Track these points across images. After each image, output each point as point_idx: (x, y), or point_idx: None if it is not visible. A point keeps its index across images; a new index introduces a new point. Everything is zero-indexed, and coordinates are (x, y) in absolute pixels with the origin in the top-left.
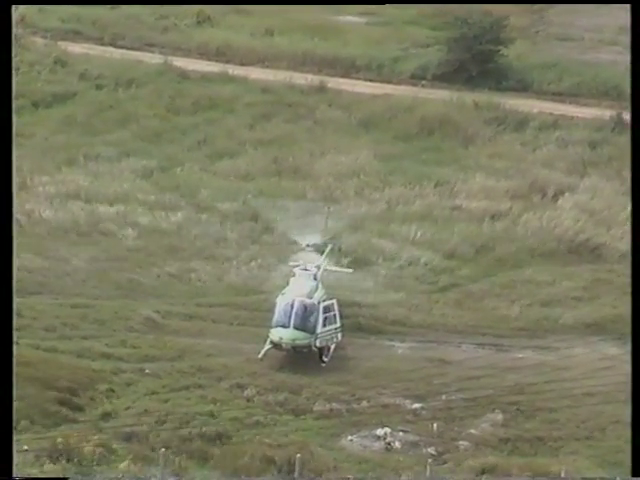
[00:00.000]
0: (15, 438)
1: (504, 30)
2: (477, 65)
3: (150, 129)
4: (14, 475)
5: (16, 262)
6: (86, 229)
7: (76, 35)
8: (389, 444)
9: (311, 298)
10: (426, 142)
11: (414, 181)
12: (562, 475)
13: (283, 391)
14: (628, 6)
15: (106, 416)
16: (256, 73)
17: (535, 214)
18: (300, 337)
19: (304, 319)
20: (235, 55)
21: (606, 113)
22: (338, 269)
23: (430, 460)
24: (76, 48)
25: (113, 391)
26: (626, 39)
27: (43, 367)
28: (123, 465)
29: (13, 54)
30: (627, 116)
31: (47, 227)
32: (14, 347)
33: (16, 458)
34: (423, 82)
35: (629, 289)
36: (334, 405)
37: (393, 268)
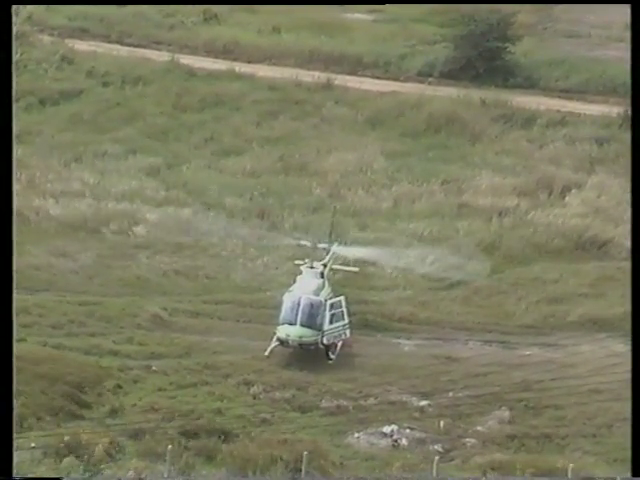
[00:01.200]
0: (22, 435)
1: (511, 27)
2: (484, 62)
3: (157, 126)
4: (14, 475)
5: (23, 259)
6: (93, 226)
7: (83, 33)
8: (396, 441)
9: (318, 295)
10: (433, 139)
11: (421, 178)
12: (568, 473)
13: (290, 388)
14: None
15: (113, 413)
16: (263, 71)
17: (542, 211)
18: (307, 334)
19: (311, 316)
20: (242, 53)
21: (613, 110)
22: (344, 267)
23: (437, 457)
24: (83, 46)
25: (120, 388)
26: None
27: (50, 364)
28: (130, 462)
29: (20, 52)
30: None
31: (54, 224)
32: (14, 348)
33: (23, 455)
34: (430, 79)
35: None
36: (341, 402)
37: (400, 266)
